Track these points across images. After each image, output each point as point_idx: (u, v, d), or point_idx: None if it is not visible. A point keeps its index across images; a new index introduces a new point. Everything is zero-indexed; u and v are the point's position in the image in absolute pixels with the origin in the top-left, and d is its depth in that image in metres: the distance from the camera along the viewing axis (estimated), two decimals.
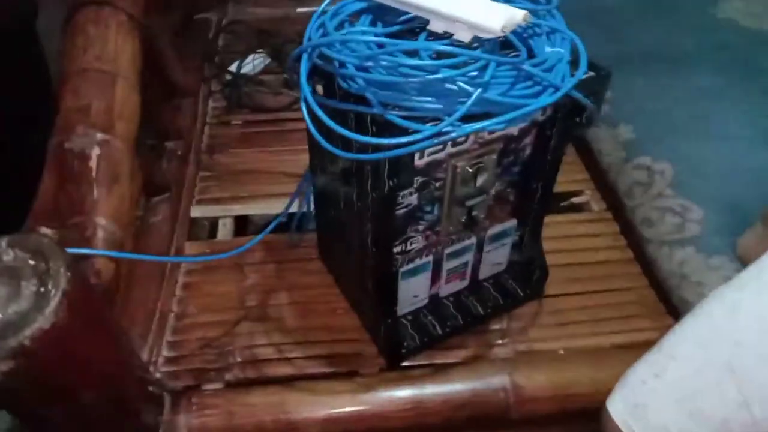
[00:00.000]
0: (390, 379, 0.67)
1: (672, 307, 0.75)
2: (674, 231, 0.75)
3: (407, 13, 0.53)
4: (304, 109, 0.48)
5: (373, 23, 0.54)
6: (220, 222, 0.86)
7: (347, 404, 0.64)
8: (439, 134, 0.46)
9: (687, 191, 0.77)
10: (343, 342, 0.72)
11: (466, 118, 0.48)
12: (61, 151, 0.58)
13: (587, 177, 0.94)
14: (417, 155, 0.55)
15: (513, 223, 0.71)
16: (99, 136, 0.59)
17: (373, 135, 0.49)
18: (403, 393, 0.65)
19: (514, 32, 0.57)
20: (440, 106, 0.47)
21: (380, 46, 0.48)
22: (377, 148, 0.47)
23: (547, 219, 0.89)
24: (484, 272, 0.75)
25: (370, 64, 0.47)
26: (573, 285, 0.79)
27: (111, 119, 0.61)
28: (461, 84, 0.46)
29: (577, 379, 0.66)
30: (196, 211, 0.86)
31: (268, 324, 0.73)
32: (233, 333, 0.72)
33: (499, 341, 0.73)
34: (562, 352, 0.72)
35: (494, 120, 0.47)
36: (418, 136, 0.46)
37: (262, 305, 0.75)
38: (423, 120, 0.48)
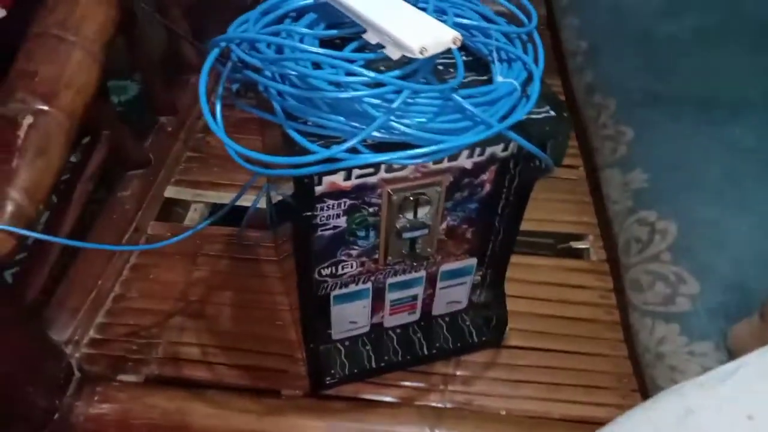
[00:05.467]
0: (303, 407, 0.62)
1: (644, 386, 0.66)
2: (661, 302, 0.66)
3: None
4: (205, 111, 0.44)
5: (315, 23, 0.49)
6: (192, 207, 0.83)
7: (247, 425, 0.60)
8: (329, 160, 0.40)
9: (686, 260, 0.66)
10: (274, 356, 0.67)
11: (385, 147, 0.43)
12: None
13: (594, 221, 0.85)
14: (343, 175, 0.49)
15: (472, 261, 0.64)
16: (37, 104, 0.57)
17: (285, 148, 0.44)
18: (311, 424, 0.60)
19: (472, 54, 0.51)
20: (348, 127, 0.42)
21: (280, 51, 0.42)
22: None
23: (538, 261, 0.81)
24: (439, 308, 0.68)
25: (273, 68, 0.42)
26: (542, 339, 0.71)
27: (56, 89, 0.59)
28: (367, 107, 0.40)
29: None
30: (171, 192, 0.84)
31: (202, 322, 0.70)
32: (164, 325, 0.69)
33: (440, 387, 0.66)
34: (503, 413, 0.64)
35: (399, 154, 0.41)
36: (308, 159, 0.40)
37: (203, 301, 0.72)
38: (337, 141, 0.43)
